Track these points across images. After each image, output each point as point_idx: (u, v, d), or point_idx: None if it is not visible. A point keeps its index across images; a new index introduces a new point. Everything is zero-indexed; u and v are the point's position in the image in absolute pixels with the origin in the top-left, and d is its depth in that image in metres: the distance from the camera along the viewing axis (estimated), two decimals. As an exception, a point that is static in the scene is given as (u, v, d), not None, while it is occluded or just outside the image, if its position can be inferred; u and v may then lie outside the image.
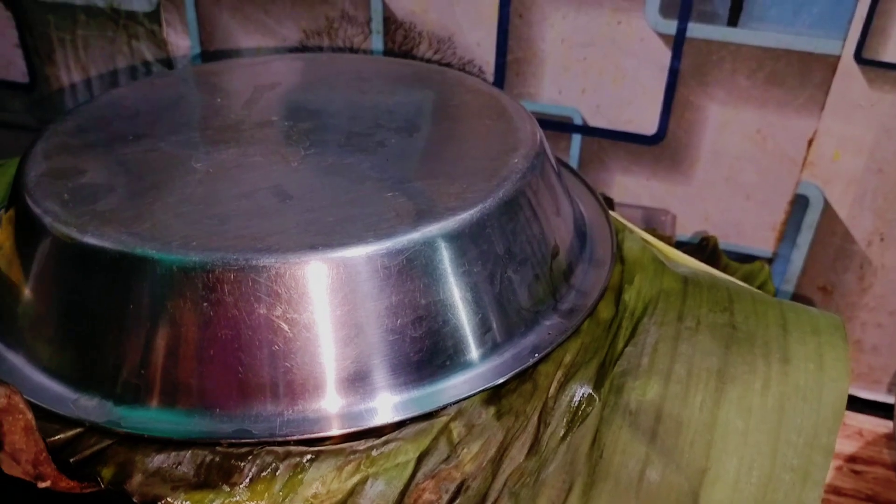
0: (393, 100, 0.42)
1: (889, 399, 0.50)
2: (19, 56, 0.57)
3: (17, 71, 0.58)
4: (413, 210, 0.31)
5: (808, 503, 0.27)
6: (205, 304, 0.27)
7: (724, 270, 0.45)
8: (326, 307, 0.28)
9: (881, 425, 0.48)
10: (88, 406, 0.29)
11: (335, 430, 0.28)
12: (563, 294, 0.35)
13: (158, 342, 0.28)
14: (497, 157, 0.35)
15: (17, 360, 0.31)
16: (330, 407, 0.29)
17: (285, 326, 0.28)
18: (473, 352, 0.31)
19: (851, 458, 0.46)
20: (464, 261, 0.30)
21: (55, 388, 0.30)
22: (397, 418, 0.29)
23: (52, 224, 0.30)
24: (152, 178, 0.34)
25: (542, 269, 0.34)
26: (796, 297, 0.49)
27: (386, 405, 0.29)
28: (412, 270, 0.29)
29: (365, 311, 0.29)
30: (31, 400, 0.28)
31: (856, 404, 0.51)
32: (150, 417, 0.28)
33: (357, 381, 0.29)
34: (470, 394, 0.30)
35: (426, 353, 0.30)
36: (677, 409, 0.29)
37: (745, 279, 0.45)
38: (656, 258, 0.38)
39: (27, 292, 0.31)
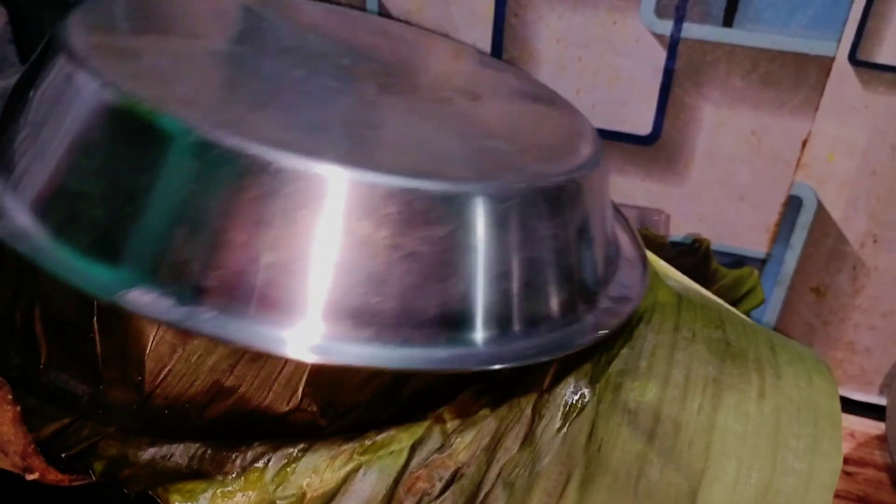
0: (445, 65, 0.40)
1: (881, 401, 0.50)
2: (12, 52, 0.57)
3: (10, 67, 0.57)
4: (511, 162, 0.30)
5: None
6: (302, 210, 0.25)
7: (713, 275, 0.45)
8: (431, 240, 0.26)
9: (873, 427, 0.48)
10: (144, 301, 0.25)
11: (437, 366, 0.27)
12: (612, 284, 0.34)
13: (245, 243, 0.25)
14: (569, 139, 0.35)
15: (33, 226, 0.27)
16: (426, 341, 0.27)
17: (389, 251, 0.26)
18: (555, 312, 0.30)
19: (843, 460, 0.46)
20: (555, 223, 0.29)
21: (99, 278, 0.26)
22: (503, 366, 0.27)
23: (130, 102, 0.26)
24: (224, 77, 0.31)
25: (600, 254, 0.33)
26: (789, 298, 0.49)
27: (490, 352, 0.28)
28: (512, 219, 0.28)
29: (466, 252, 0.27)
30: (67, 279, 0.25)
31: (848, 406, 0.50)
32: (219, 324, 0.25)
33: (452, 321, 0.27)
34: (577, 348, 0.29)
35: (520, 308, 0.29)
36: (675, 411, 0.29)
37: (734, 284, 0.46)
38: (653, 270, 0.39)
39: (71, 167, 0.27)
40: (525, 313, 0.29)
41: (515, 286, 0.28)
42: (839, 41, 0.42)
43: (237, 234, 0.25)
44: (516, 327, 0.29)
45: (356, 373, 0.30)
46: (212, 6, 0.39)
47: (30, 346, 0.31)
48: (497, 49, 0.47)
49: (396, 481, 0.27)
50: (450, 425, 0.28)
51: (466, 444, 0.28)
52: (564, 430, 0.29)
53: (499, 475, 0.27)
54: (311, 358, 0.25)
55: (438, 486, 0.27)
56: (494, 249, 0.27)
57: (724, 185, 0.47)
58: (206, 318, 0.25)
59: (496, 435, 0.29)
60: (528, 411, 0.30)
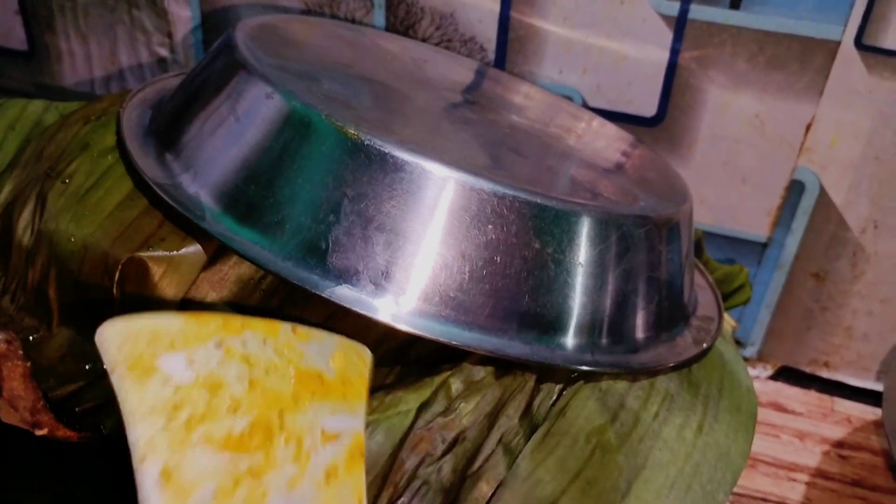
0: (544, 105, 0.44)
1: (878, 387, 0.51)
2: (18, 23, 0.57)
3: (16, 38, 0.57)
4: (636, 192, 0.34)
5: None
6: (489, 226, 0.28)
7: (705, 266, 0.46)
8: (586, 255, 0.30)
9: (869, 412, 0.49)
10: (347, 295, 0.28)
11: (586, 367, 0.30)
12: (695, 306, 0.38)
13: (443, 252, 0.29)
14: (663, 175, 0.39)
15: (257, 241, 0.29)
16: (566, 343, 0.30)
17: (552, 265, 0.29)
18: (665, 328, 0.34)
19: (839, 444, 0.46)
20: (672, 248, 0.33)
21: (309, 277, 0.28)
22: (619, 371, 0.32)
23: (332, 123, 0.28)
24: (390, 103, 0.34)
25: (691, 281, 0.37)
26: (789, 283, 0.50)
27: (636, 358, 0.32)
28: (646, 241, 0.32)
29: (609, 269, 0.31)
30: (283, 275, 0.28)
31: (844, 391, 0.51)
32: (424, 323, 0.29)
33: (589, 330, 0.31)
34: (686, 361, 0.33)
35: (646, 323, 0.33)
36: (637, 406, 0.31)
37: (724, 279, 0.46)
38: None
39: (273, 173, 0.29)
40: (642, 325, 0.33)
41: (640, 302, 0.32)
42: (845, 25, 0.42)
43: (412, 232, 0.28)
44: (637, 336, 0.33)
45: (364, 337, 0.30)
46: (339, 36, 0.42)
47: (42, 307, 0.31)
48: (504, 26, 0.47)
49: (402, 441, 0.27)
50: (454, 390, 0.29)
51: (470, 409, 0.28)
52: (557, 405, 0.30)
53: (499, 441, 0.28)
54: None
55: (441, 447, 0.28)
56: (622, 270, 0.31)
57: (728, 168, 0.47)
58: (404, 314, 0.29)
59: (499, 403, 0.29)
60: (531, 383, 0.30)
